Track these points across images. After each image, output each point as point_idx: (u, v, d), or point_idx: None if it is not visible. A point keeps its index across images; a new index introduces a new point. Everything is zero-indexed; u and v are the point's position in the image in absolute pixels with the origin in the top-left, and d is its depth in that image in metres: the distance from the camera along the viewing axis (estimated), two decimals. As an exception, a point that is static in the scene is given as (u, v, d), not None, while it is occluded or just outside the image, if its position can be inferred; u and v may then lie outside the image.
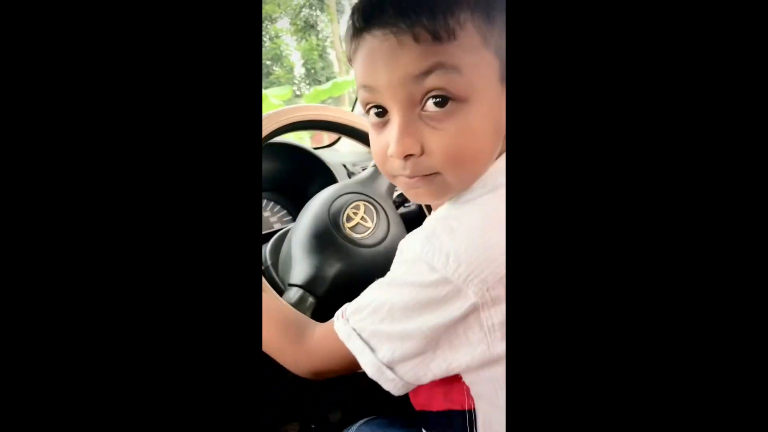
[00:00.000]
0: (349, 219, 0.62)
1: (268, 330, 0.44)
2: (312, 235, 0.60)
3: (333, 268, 0.57)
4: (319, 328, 0.43)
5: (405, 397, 0.40)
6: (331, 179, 0.88)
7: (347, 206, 0.63)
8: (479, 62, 0.33)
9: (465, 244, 0.32)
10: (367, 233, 0.62)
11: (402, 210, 0.75)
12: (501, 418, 0.35)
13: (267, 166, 0.87)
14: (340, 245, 0.59)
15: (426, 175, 0.35)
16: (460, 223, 0.34)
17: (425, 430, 0.43)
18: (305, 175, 0.89)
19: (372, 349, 0.35)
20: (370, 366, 0.36)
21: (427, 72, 0.32)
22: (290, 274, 0.58)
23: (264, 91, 4.96)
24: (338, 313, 0.40)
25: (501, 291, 0.31)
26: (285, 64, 7.19)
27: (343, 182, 0.68)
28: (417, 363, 0.34)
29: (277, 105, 4.91)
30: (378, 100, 0.35)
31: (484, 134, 0.34)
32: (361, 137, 0.68)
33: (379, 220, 0.64)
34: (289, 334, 0.44)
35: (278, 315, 0.45)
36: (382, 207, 0.65)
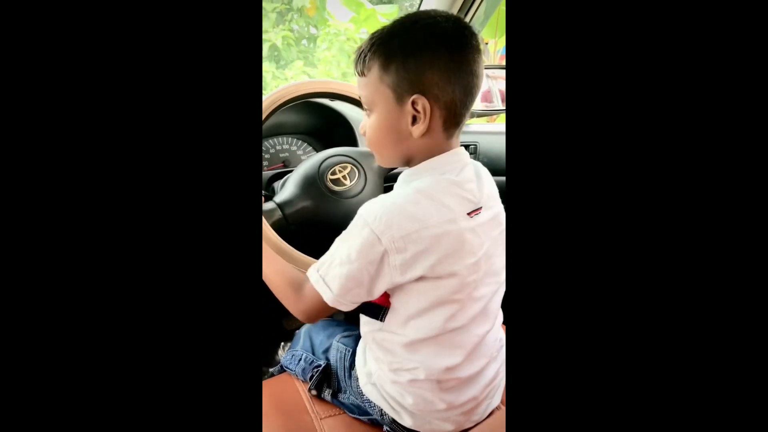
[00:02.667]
0: (333, 173, 0.78)
1: (277, 282, 0.61)
2: (302, 174, 0.79)
3: (304, 201, 0.77)
4: (307, 282, 0.59)
5: None
6: (351, 130, 1.03)
7: (337, 164, 0.79)
8: (375, 90, 0.54)
9: (385, 209, 0.51)
10: (342, 188, 0.78)
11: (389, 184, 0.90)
12: (398, 312, 0.56)
13: (301, 117, 1.07)
14: (317, 188, 0.78)
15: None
16: (390, 198, 0.54)
17: (361, 313, 0.62)
18: (330, 125, 1.06)
19: (330, 288, 0.54)
20: (330, 299, 0.54)
21: (361, 90, 0.56)
22: (277, 194, 0.78)
23: (373, 7, 4.90)
24: (312, 267, 0.57)
25: (401, 243, 0.50)
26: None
27: (349, 148, 0.84)
28: (357, 291, 0.53)
29: (383, 24, 4.83)
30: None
31: (381, 132, 0.56)
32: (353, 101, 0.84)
33: (357, 183, 0.79)
34: (292, 286, 0.60)
35: (285, 270, 0.63)
36: (365, 174, 0.81)
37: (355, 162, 0.81)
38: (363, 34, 4.97)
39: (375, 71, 0.53)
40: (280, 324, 1.12)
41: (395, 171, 0.93)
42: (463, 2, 0.97)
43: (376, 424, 0.64)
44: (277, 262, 0.64)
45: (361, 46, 0.54)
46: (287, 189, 0.78)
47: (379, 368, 0.60)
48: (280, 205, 0.75)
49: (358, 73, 0.55)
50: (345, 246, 0.53)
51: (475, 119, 1.24)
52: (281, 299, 0.62)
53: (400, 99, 0.52)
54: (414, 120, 0.52)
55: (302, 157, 1.09)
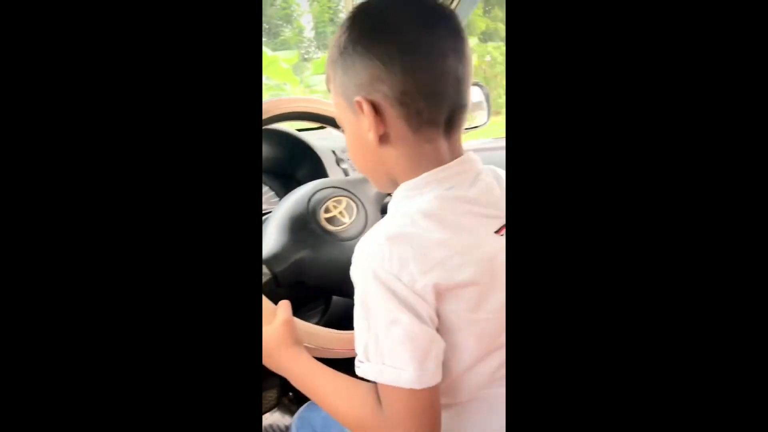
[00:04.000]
0: (327, 210, 0.65)
1: (342, 406, 0.45)
2: (287, 217, 0.63)
3: (297, 251, 0.60)
4: (384, 403, 0.42)
5: None
6: (318, 165, 0.90)
7: (329, 198, 0.66)
8: (336, 102, 0.48)
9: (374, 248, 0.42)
10: (342, 227, 0.65)
11: None
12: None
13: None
14: (311, 231, 0.62)
15: None
16: (376, 231, 0.44)
17: None
18: (294, 159, 0.91)
19: (401, 368, 0.39)
20: (417, 380, 0.38)
21: None
22: None
23: (273, 54, 4.87)
24: (362, 368, 0.41)
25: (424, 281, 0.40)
26: (295, 26, 7.02)
27: (334, 177, 0.71)
28: (434, 351, 0.40)
29: (285, 69, 4.85)
30: None
31: (351, 148, 0.50)
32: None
33: (357, 218, 0.67)
34: (366, 407, 0.43)
35: (349, 392, 0.45)
36: (364, 207, 0.68)
37: (350, 193, 0.68)
38: (266, 80, 4.90)
39: (334, 87, 0.47)
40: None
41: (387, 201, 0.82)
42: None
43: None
44: (324, 375, 0.47)
45: None
46: (270, 238, 0.61)
47: None
48: (267, 262, 0.58)
49: (328, 90, 0.48)
50: (373, 312, 0.40)
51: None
52: (347, 421, 0.45)
53: (351, 106, 0.44)
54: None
55: (263, 206, 0.93)
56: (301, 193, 0.66)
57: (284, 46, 6.36)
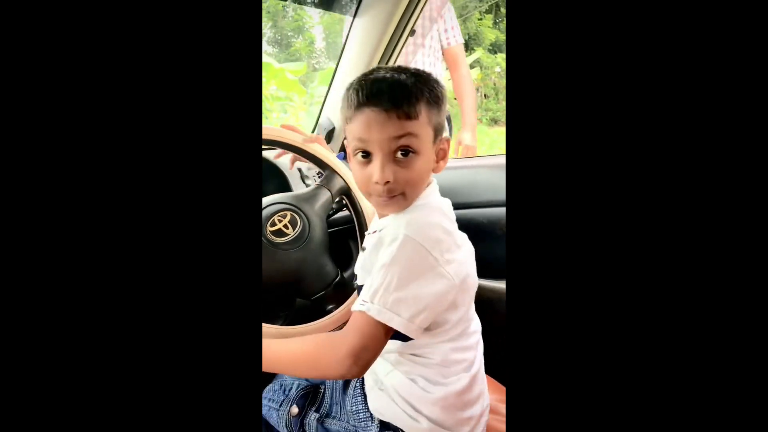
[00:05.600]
0: (273, 224, 0.74)
1: (295, 354, 0.57)
2: None
3: None
4: (347, 325, 0.56)
5: None
6: (284, 181, 1.00)
7: (276, 213, 0.75)
8: (425, 132, 0.56)
9: (426, 227, 0.55)
10: (285, 238, 0.74)
11: (333, 229, 0.88)
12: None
13: None
14: None
15: (393, 196, 0.58)
16: (418, 217, 0.57)
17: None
18: (263, 177, 1.01)
19: (397, 314, 0.52)
20: (401, 326, 0.52)
21: (401, 136, 0.54)
22: None
23: (280, 65, 5.02)
24: (358, 303, 0.54)
25: (448, 255, 0.55)
26: (306, 37, 7.21)
27: (284, 194, 0.80)
28: (426, 312, 0.54)
29: (292, 80, 4.99)
30: (367, 147, 0.56)
31: (423, 172, 0.58)
32: (289, 148, 0.81)
33: (300, 230, 0.76)
34: (319, 343, 0.56)
35: (292, 341, 0.58)
36: (307, 220, 0.77)
37: (295, 208, 0.77)
38: (273, 91, 5.05)
39: (424, 114, 0.56)
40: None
41: (336, 216, 0.91)
42: (383, 54, 1.02)
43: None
44: (277, 343, 0.60)
45: (401, 89, 0.55)
46: None
47: (412, 383, 0.59)
48: None
49: (408, 116, 0.54)
50: (398, 268, 0.53)
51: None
52: (313, 368, 0.57)
53: (434, 139, 0.58)
54: (437, 156, 0.60)
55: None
56: None
57: (295, 57, 6.55)
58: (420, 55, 1.61)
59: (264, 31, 7.13)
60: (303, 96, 4.95)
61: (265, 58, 4.90)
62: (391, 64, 1.04)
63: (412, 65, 0.75)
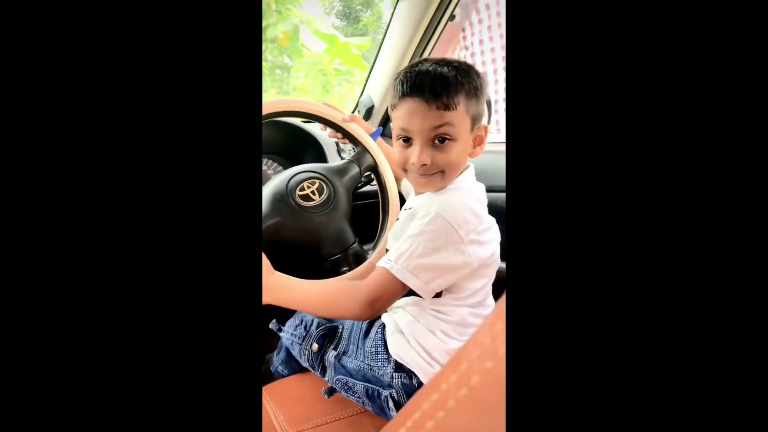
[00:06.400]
0: (302, 189, 0.83)
1: (318, 295, 0.68)
2: (271, 191, 0.83)
3: (274, 218, 0.80)
4: (370, 277, 0.64)
5: None
6: (320, 150, 1.09)
7: (305, 180, 0.84)
8: (462, 122, 0.63)
9: (456, 209, 0.61)
10: (311, 203, 0.83)
11: (358, 202, 0.96)
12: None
13: (273, 135, 1.10)
14: (287, 204, 0.81)
15: (431, 174, 0.65)
16: (451, 198, 0.63)
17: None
18: (301, 145, 1.11)
19: (416, 276, 0.60)
20: (417, 287, 0.60)
21: (440, 126, 0.61)
22: None
23: (345, 39, 5.10)
24: (384, 260, 0.63)
25: (473, 236, 0.61)
26: (374, 11, 7.20)
27: (317, 164, 0.88)
28: (441, 280, 0.61)
29: (356, 55, 5.05)
30: (409, 134, 0.64)
31: (459, 157, 0.65)
32: (328, 123, 0.89)
33: (326, 198, 0.84)
34: (339, 290, 0.67)
35: (316, 285, 0.70)
36: (334, 190, 0.85)
37: (324, 177, 0.85)
38: (336, 64, 5.15)
39: (462, 105, 0.61)
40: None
41: (363, 189, 0.99)
42: (423, 35, 1.06)
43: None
44: (300, 283, 0.70)
45: (441, 82, 0.60)
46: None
47: (431, 334, 0.66)
48: None
49: (447, 107, 0.60)
50: (423, 239, 0.60)
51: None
52: (333, 309, 0.67)
53: (472, 128, 0.64)
54: (474, 142, 0.66)
55: (271, 176, 1.14)
56: (284, 175, 0.85)
57: (361, 32, 6.58)
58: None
59: (333, 4, 7.20)
60: (365, 72, 5.00)
61: (331, 31, 4.99)
62: (429, 48, 1.08)
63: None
